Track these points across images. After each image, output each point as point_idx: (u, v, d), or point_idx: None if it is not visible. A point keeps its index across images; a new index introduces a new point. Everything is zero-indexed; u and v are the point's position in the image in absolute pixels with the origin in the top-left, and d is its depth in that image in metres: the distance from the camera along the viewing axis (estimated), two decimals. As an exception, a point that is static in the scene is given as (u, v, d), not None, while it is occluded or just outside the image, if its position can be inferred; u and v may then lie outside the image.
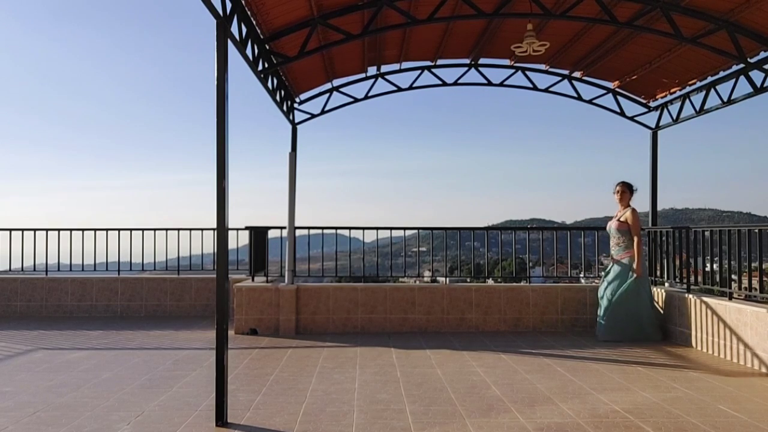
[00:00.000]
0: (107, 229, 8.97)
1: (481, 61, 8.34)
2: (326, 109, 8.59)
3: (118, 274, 8.90)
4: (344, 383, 4.79)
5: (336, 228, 8.24)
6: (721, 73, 7.10)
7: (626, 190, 7.08)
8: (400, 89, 8.58)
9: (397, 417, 3.93)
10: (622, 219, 6.96)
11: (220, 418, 3.82)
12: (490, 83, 8.53)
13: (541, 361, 5.65)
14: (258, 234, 7.71)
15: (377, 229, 7.99)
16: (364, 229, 7.98)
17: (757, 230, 5.62)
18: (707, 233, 6.47)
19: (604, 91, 8.56)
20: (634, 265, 6.76)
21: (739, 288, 5.96)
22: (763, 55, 6.38)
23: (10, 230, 8.96)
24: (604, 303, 6.89)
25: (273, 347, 6.38)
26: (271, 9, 5.63)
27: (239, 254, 9.78)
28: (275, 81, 7.08)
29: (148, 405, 4.17)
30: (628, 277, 6.79)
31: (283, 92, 7.66)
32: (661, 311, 7.01)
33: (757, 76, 6.61)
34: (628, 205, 7.05)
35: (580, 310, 7.54)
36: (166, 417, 3.91)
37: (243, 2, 5.22)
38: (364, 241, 8.75)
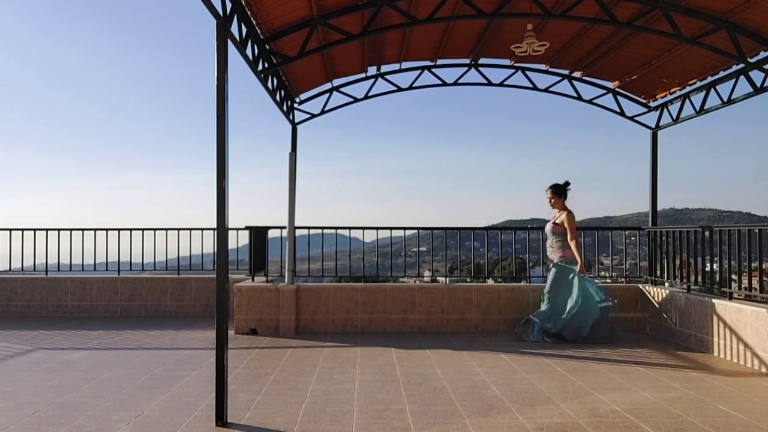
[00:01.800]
0: (107, 229, 8.97)
1: (481, 61, 8.34)
2: (326, 109, 8.58)
3: (118, 274, 8.90)
4: (344, 383, 4.79)
5: (336, 228, 8.24)
6: (721, 73, 7.09)
7: (554, 195, 7.10)
8: (400, 89, 8.58)
9: (397, 417, 3.93)
10: (558, 221, 7.00)
11: (220, 418, 3.82)
12: (490, 83, 8.53)
13: (541, 361, 5.65)
14: (258, 234, 7.71)
15: (377, 229, 8.00)
16: (364, 229, 7.99)
17: (757, 230, 5.62)
18: (707, 233, 6.47)
19: (604, 91, 8.56)
20: (577, 267, 6.78)
21: (739, 288, 5.97)
22: (763, 55, 6.38)
23: (10, 230, 8.96)
24: (549, 304, 6.83)
25: (273, 347, 6.38)
26: (271, 9, 5.63)
27: (239, 254, 9.78)
28: (275, 81, 7.08)
29: (148, 405, 4.17)
30: (569, 276, 6.79)
31: (283, 92, 7.66)
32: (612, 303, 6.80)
33: (757, 76, 6.61)
34: (565, 208, 7.06)
35: (580, 310, 7.53)
36: (166, 417, 3.91)
37: (243, 2, 5.22)
38: (364, 241, 8.75)
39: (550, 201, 7.14)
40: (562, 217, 6.95)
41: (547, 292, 6.92)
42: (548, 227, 7.10)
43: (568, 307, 6.68)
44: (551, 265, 7.01)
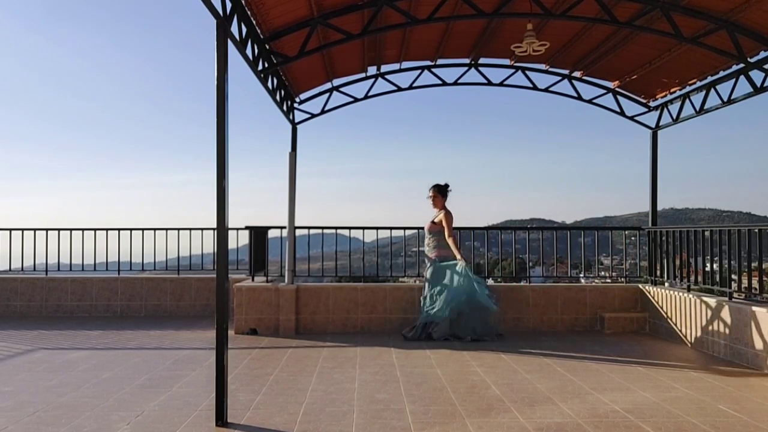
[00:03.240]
0: (107, 229, 8.97)
1: (481, 60, 8.33)
2: (326, 108, 8.58)
3: (118, 274, 8.90)
4: (344, 383, 4.79)
5: (336, 228, 8.24)
6: (721, 73, 7.08)
7: (437, 194, 7.18)
8: (400, 89, 8.57)
9: (397, 417, 3.93)
10: (436, 221, 7.08)
11: (220, 418, 3.82)
12: (490, 83, 8.52)
13: (541, 361, 5.65)
14: (258, 234, 7.71)
15: (377, 229, 7.99)
16: (364, 229, 7.99)
17: (757, 230, 5.62)
18: (707, 233, 6.47)
19: (604, 91, 8.55)
20: (458, 258, 6.82)
21: (739, 288, 5.97)
22: (763, 54, 6.38)
23: (10, 230, 8.96)
24: (442, 301, 6.75)
25: (273, 347, 6.38)
26: (271, 9, 5.63)
27: (239, 254, 9.77)
28: (275, 81, 7.07)
29: (148, 405, 4.17)
30: (448, 274, 6.78)
31: (283, 92, 7.66)
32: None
33: (757, 75, 6.60)
34: (444, 207, 7.13)
35: (580, 310, 7.54)
36: (166, 417, 3.91)
37: (243, 2, 5.22)
38: (364, 241, 8.74)
39: (432, 199, 7.20)
40: (440, 216, 7.03)
41: (428, 292, 6.87)
42: (426, 226, 7.17)
43: (455, 301, 6.67)
44: (429, 263, 7.06)
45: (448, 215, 7.05)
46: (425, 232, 7.23)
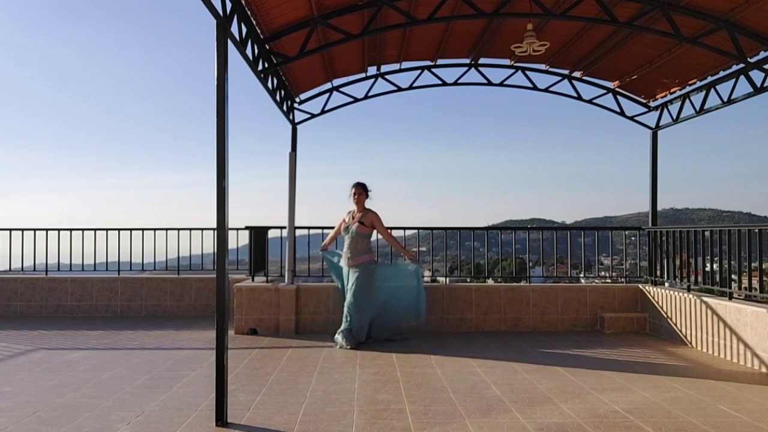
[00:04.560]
0: (107, 229, 8.97)
1: (481, 60, 8.33)
2: (326, 108, 8.58)
3: (118, 274, 8.90)
4: (344, 383, 4.79)
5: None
6: (721, 73, 7.08)
7: (363, 192, 6.81)
8: (400, 89, 8.57)
9: (397, 417, 3.93)
10: (366, 223, 6.67)
11: (220, 418, 3.82)
12: (490, 83, 8.52)
13: (541, 361, 5.64)
14: (258, 234, 7.71)
15: (377, 228, 7.98)
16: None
17: (757, 230, 5.62)
18: (707, 233, 6.47)
19: (604, 91, 8.55)
20: (409, 258, 6.86)
21: (739, 288, 5.97)
22: (763, 54, 6.38)
23: (10, 230, 8.96)
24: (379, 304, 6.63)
25: (273, 347, 6.38)
26: (271, 9, 5.63)
27: (239, 254, 9.76)
28: (275, 81, 7.07)
29: (148, 405, 4.17)
30: (378, 277, 6.68)
31: (283, 92, 7.66)
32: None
33: (757, 75, 6.61)
34: (365, 208, 6.80)
35: (580, 310, 7.54)
36: (166, 417, 3.91)
37: (243, 2, 5.22)
38: (364, 241, 8.72)
39: (354, 196, 6.78)
40: (370, 216, 6.69)
41: (357, 298, 6.48)
42: (354, 227, 6.67)
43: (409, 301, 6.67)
44: (354, 268, 6.58)
45: (378, 216, 6.72)
46: (353, 233, 6.62)
